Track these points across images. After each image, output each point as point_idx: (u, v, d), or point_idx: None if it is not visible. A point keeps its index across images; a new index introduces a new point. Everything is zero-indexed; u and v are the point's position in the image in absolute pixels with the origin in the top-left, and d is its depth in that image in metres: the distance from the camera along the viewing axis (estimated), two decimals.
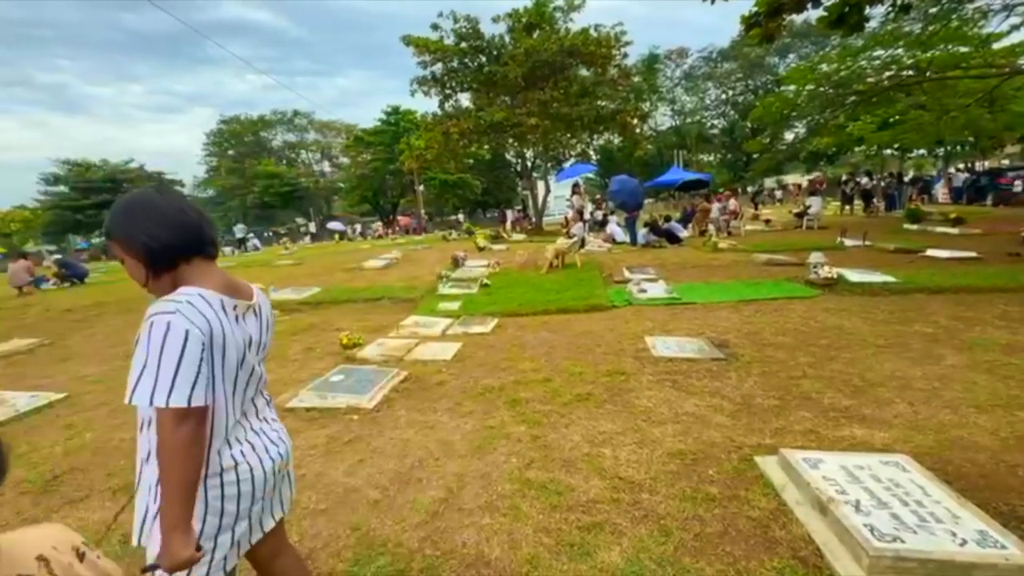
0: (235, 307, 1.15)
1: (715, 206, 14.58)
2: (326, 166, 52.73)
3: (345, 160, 47.77)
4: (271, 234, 35.65)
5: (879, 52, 13.11)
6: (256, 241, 28.21)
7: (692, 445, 2.68)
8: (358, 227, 34.28)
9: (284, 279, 10.09)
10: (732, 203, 14.79)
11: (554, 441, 2.84)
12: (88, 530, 2.30)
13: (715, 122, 47.37)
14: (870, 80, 13.82)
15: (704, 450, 2.63)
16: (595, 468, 2.52)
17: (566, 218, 22.91)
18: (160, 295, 1.10)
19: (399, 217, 37.64)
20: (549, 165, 24.57)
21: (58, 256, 19.28)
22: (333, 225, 32.94)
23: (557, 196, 27.22)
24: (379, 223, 36.37)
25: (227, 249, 26.65)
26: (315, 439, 3.08)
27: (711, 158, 48.13)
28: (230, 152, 48.82)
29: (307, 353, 5.06)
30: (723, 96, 45.67)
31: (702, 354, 4.19)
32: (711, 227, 13.22)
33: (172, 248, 1.11)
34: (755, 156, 35.24)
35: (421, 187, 33.12)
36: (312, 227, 34.65)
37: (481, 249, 13.36)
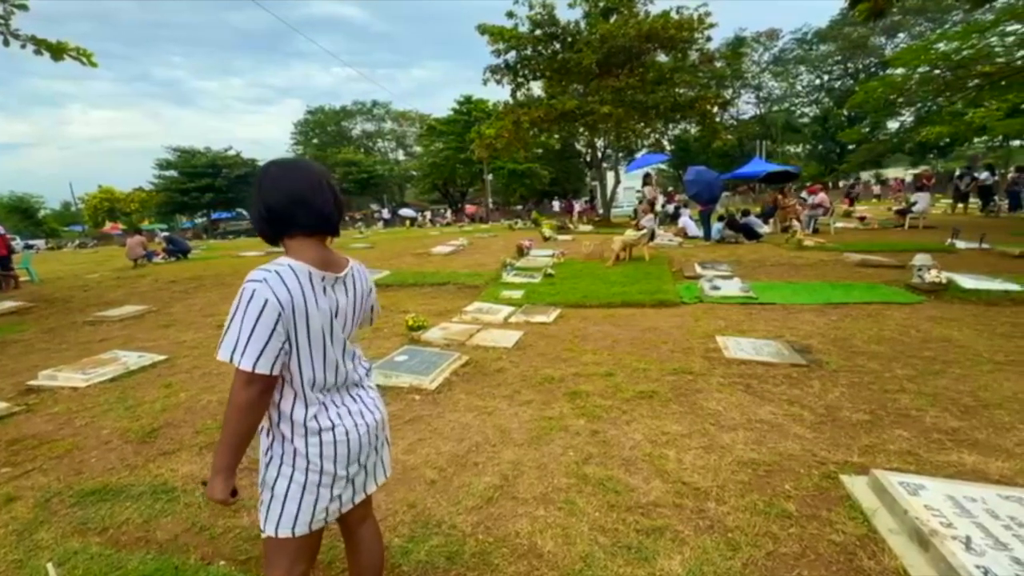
0: (323, 279, 1.21)
1: (813, 198, 13.46)
2: (400, 154, 54.74)
3: (418, 149, 49.32)
4: (348, 219, 37.60)
5: (1014, 27, 11.38)
6: None
7: (766, 455, 2.47)
8: (428, 214, 35.34)
9: (357, 260, 10.58)
10: (820, 196, 13.57)
11: (614, 438, 2.74)
12: (176, 480, 2.52)
13: (805, 110, 43.79)
14: (1000, 60, 12.07)
15: (780, 462, 2.41)
16: (657, 470, 2.40)
17: (635, 209, 22.25)
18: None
19: (466, 205, 38.33)
20: (620, 155, 23.88)
21: (166, 233, 21.51)
22: (405, 211, 34.21)
23: (627, 187, 26.43)
24: (448, 211, 37.24)
25: None
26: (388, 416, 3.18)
27: (798, 149, 44.64)
28: (314, 140, 51.94)
29: (375, 333, 5.26)
30: (817, 81, 42.04)
31: (780, 358, 3.87)
32: (796, 223, 12.23)
33: (279, 222, 1.21)
34: (851, 147, 32.22)
35: (490, 176, 33.47)
36: (385, 213, 36.15)
37: (547, 239, 13.27)
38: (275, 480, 1.22)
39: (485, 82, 18.52)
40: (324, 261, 1.23)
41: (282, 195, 1.18)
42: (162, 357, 4.73)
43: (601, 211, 22.19)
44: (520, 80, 18.54)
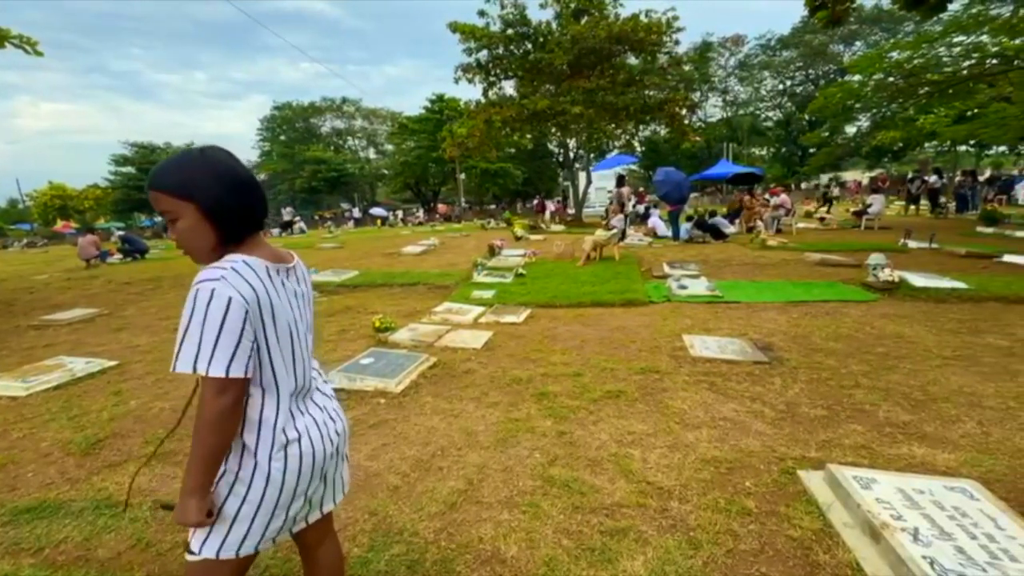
0: (278, 271, 1.14)
1: (775, 199, 13.88)
2: (371, 153, 53.87)
3: (390, 147, 48.65)
4: (317, 218, 36.80)
5: (960, 38, 12.00)
6: (302, 224, 29.15)
7: (728, 453, 2.51)
8: (400, 213, 34.88)
9: (326, 262, 10.34)
10: (782, 198, 14.02)
11: (580, 438, 2.73)
12: (121, 494, 2.38)
13: (769, 114, 45.24)
14: (948, 69, 12.72)
15: (741, 459, 2.45)
16: (622, 470, 2.40)
17: (607, 210, 22.50)
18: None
19: (439, 205, 38.05)
20: (592, 156, 24.10)
21: (122, 232, 20.57)
22: (376, 211, 33.66)
23: (598, 187, 26.72)
24: (420, 210, 36.87)
25: (274, 231, 27.67)
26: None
27: (763, 152, 46.07)
28: (281, 137, 50.62)
29: (341, 335, 5.13)
30: (780, 86, 43.53)
31: (744, 356, 3.96)
32: (759, 223, 12.60)
33: (246, 219, 1.11)
34: (812, 150, 33.43)
35: (462, 175, 33.30)
36: (356, 212, 35.52)
37: (518, 239, 13.27)
38: (225, 499, 1.09)
39: (457, 80, 18.42)
40: (274, 254, 1.16)
41: (244, 185, 1.09)
42: (112, 363, 4.49)
43: (573, 211, 22.36)
44: (492, 79, 18.51)
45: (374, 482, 2.41)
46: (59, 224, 36.80)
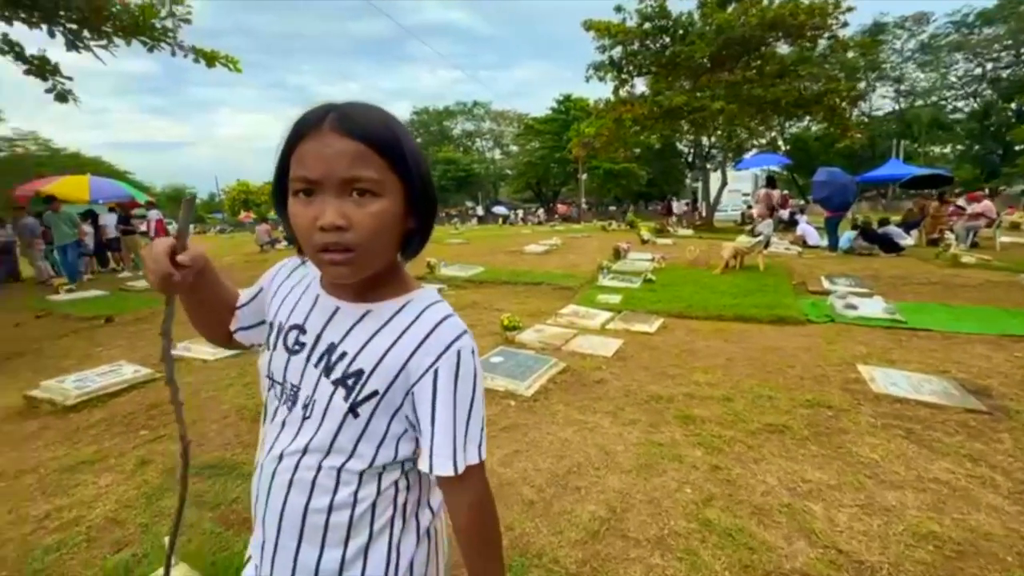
0: None
1: (974, 206, 11.43)
2: (497, 153, 55.88)
3: (514, 148, 50.03)
4: (444, 215, 39.17)
5: None
6: None
7: (953, 530, 1.95)
8: (520, 212, 35.63)
9: (453, 256, 10.80)
10: (984, 205, 11.44)
11: (740, 477, 2.35)
12: None
13: (959, 104, 37.71)
14: None
15: (974, 542, 1.88)
16: (801, 527, 1.98)
17: (743, 214, 20.54)
18: (386, 283, 0.75)
19: (558, 205, 38.11)
20: (730, 155, 22.19)
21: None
22: (498, 209, 34.82)
23: (732, 189, 24.53)
24: (541, 209, 37.28)
25: None
26: None
27: (946, 150, 38.61)
28: (418, 140, 54.03)
29: (470, 329, 5.21)
30: (977, 71, 36.03)
31: (950, 400, 3.16)
32: (949, 235, 10.42)
33: (431, 228, 0.76)
34: (1020, 147, 27.22)
35: (584, 176, 32.91)
36: (479, 210, 37.07)
37: (645, 242, 12.62)
38: None
39: (587, 79, 18.09)
40: None
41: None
42: None
43: (703, 214, 20.79)
44: (624, 76, 17.86)
45: (508, 492, 2.30)
46: (242, 214, 43.95)
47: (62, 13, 7.95)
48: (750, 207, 18.01)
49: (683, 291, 6.82)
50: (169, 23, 9.11)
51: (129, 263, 11.53)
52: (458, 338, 0.72)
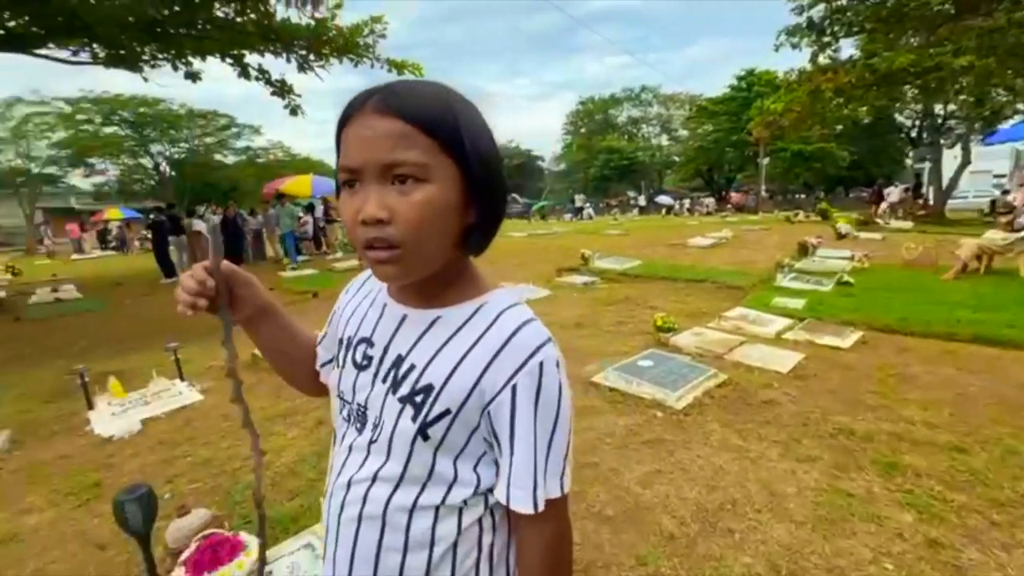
0: None
1: None
2: (664, 139, 52.86)
3: (683, 133, 46.70)
4: (603, 205, 38.53)
5: None
6: (591, 210, 30.96)
7: None
8: (686, 202, 33.14)
9: (609, 248, 10.47)
10: None
11: (978, 568, 1.71)
12: None
13: None
14: None
15: None
16: None
17: (994, 201, 15.86)
18: (456, 284, 0.64)
19: (731, 193, 34.45)
20: (976, 125, 17.27)
21: None
22: (661, 199, 32.93)
23: (977, 170, 19.01)
24: (710, 198, 34.21)
25: (566, 216, 30.32)
26: (613, 426, 2.84)
27: None
28: (582, 130, 54.72)
29: (618, 327, 4.94)
30: None
31: None
32: None
33: (500, 218, 0.63)
34: None
35: (765, 160, 29.05)
36: (641, 200, 35.54)
37: (842, 236, 10.59)
38: None
39: (777, 47, 15.71)
40: None
41: (502, 167, 0.63)
42: None
43: (930, 202, 16.62)
44: (826, 39, 15.07)
45: (644, 517, 2.05)
46: None
47: (296, 42, 9.75)
48: (1006, 192, 13.78)
49: (894, 299, 5.48)
50: (370, 40, 10.53)
51: (333, 247, 13.80)
52: (540, 348, 0.59)
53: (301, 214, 13.43)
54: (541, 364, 0.58)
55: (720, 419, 2.89)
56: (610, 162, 42.76)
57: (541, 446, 0.59)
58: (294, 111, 10.68)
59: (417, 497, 0.61)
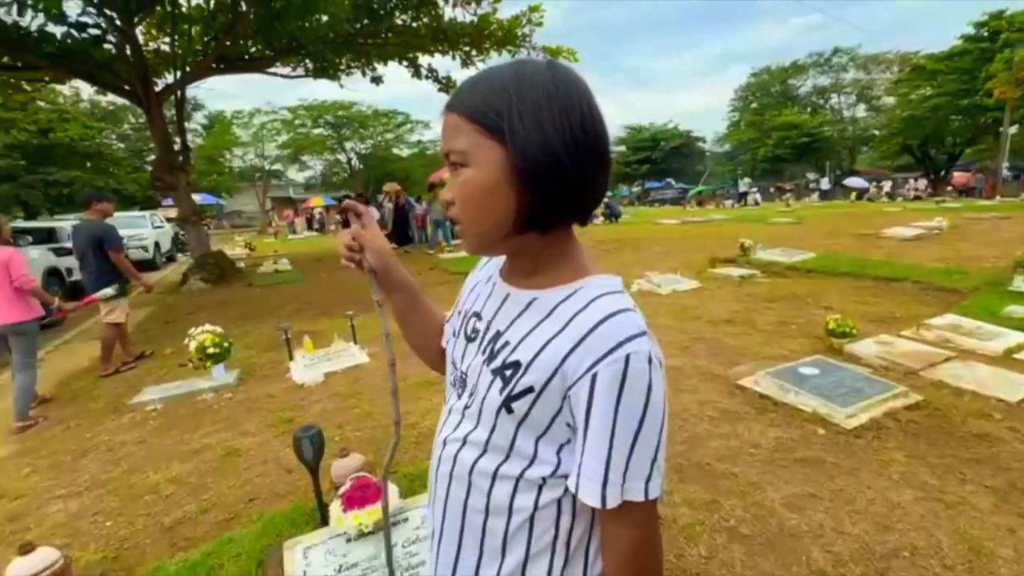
0: None
1: None
2: (860, 110, 44.48)
3: (888, 101, 38.68)
4: (773, 189, 34.07)
5: None
6: (757, 196, 27.66)
7: None
8: (886, 184, 27.52)
9: (774, 238, 9.27)
10: None
11: None
12: None
13: None
14: None
15: None
16: None
17: None
18: (552, 267, 0.64)
19: (954, 173, 27.58)
20: None
21: (607, 199, 25.46)
22: (852, 181, 27.92)
23: None
24: (921, 180, 27.97)
25: (728, 202, 27.63)
26: (759, 436, 2.54)
27: None
28: (753, 105, 48.95)
29: (778, 327, 4.36)
30: None
31: None
32: None
33: (579, 195, 0.60)
34: None
35: (1012, 128, 22.56)
36: (824, 183, 30.56)
37: None
38: None
39: None
40: None
41: (594, 137, 0.59)
42: None
43: None
44: None
45: (789, 545, 1.80)
46: None
47: (461, 39, 10.47)
48: None
49: None
50: (527, 30, 10.81)
51: None
52: (630, 339, 0.56)
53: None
54: (628, 357, 0.55)
55: (906, 448, 2.38)
56: (785, 140, 37.51)
57: (620, 443, 0.56)
58: None
59: (499, 466, 0.64)
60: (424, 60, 10.90)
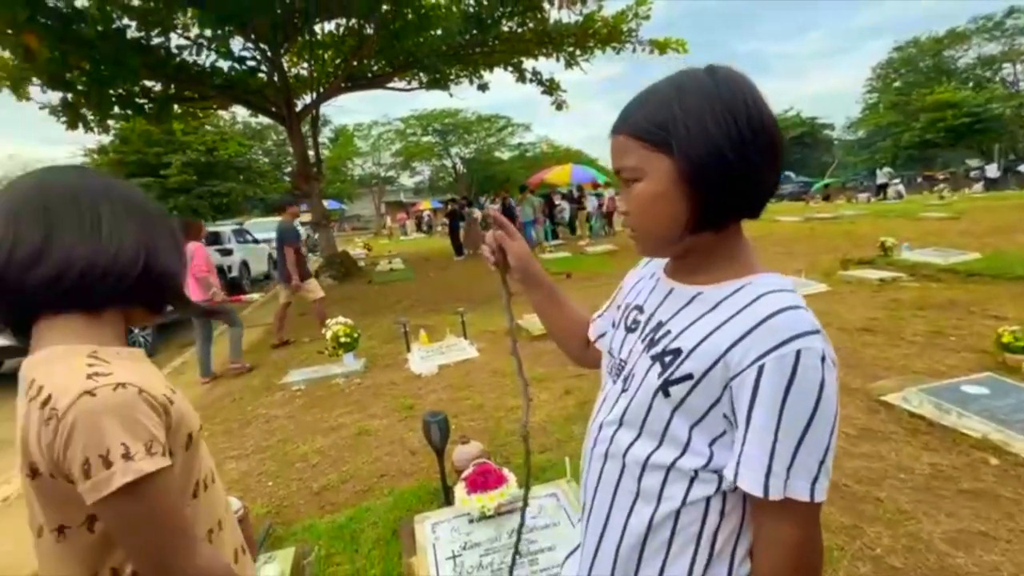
0: None
1: None
2: None
3: None
4: (921, 179, 29.40)
5: None
6: (900, 187, 24.06)
7: None
8: None
9: (925, 236, 8.05)
10: None
11: None
12: None
13: None
14: None
15: None
16: None
17: None
18: (717, 264, 0.66)
19: None
20: None
21: None
22: None
23: None
24: None
25: (862, 196, 24.46)
26: (911, 460, 2.25)
27: None
28: (895, 84, 42.72)
29: (932, 338, 3.80)
30: None
31: None
32: None
33: (750, 193, 0.62)
34: None
35: None
36: (991, 170, 25.71)
37: None
38: None
39: None
40: None
41: (762, 134, 0.61)
42: None
43: None
44: None
45: None
46: None
47: (565, 40, 10.49)
48: None
49: None
50: (633, 24, 10.52)
51: (584, 233, 14.56)
52: (801, 336, 0.56)
53: (558, 201, 14.57)
54: (798, 352, 0.55)
55: None
56: (938, 122, 32.22)
57: (786, 437, 0.56)
58: (559, 106, 11.56)
59: (652, 452, 0.66)
60: (528, 64, 11.11)
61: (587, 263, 9.41)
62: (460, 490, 1.95)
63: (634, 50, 10.82)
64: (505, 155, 33.99)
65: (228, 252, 10.06)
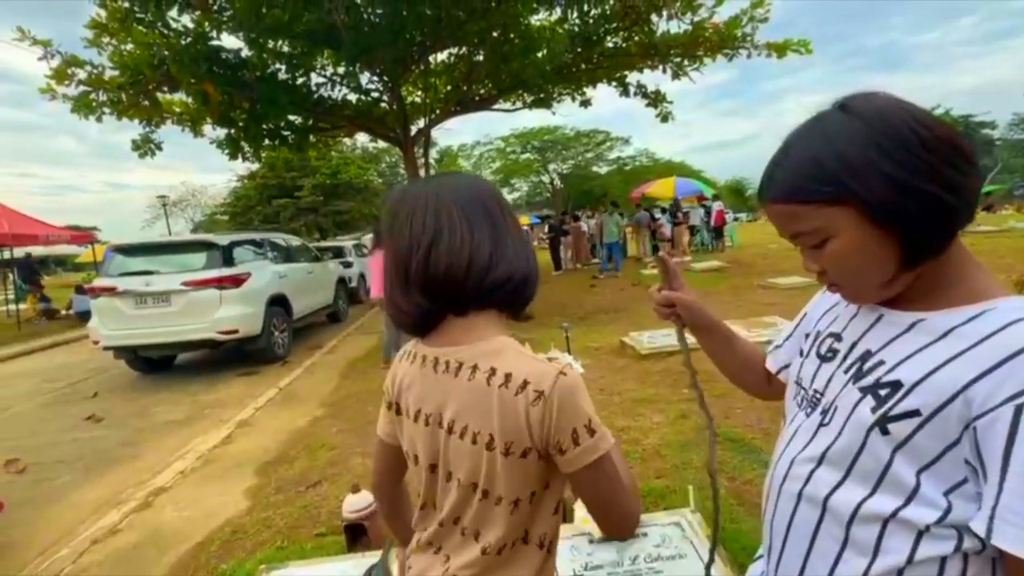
0: None
1: None
2: None
3: None
4: None
5: None
6: None
7: None
8: None
9: None
10: None
11: None
12: None
13: None
14: None
15: None
16: None
17: None
18: (942, 288, 0.60)
19: None
20: None
21: None
22: None
23: None
24: None
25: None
26: None
27: None
28: None
29: None
30: None
31: None
32: None
33: (953, 214, 0.56)
34: None
35: None
36: None
37: None
38: None
39: None
40: None
41: (951, 151, 0.55)
42: None
43: None
44: None
45: None
46: None
47: (672, 50, 10.19)
48: None
49: None
50: (748, 28, 9.93)
51: (680, 251, 13.85)
52: None
53: (658, 215, 14.06)
54: None
55: None
56: None
57: None
58: (665, 118, 11.20)
59: (864, 500, 0.59)
60: (632, 77, 10.96)
61: (695, 281, 8.93)
62: (581, 508, 1.93)
63: (749, 55, 10.20)
64: (603, 169, 33.72)
65: (348, 264, 11.07)
